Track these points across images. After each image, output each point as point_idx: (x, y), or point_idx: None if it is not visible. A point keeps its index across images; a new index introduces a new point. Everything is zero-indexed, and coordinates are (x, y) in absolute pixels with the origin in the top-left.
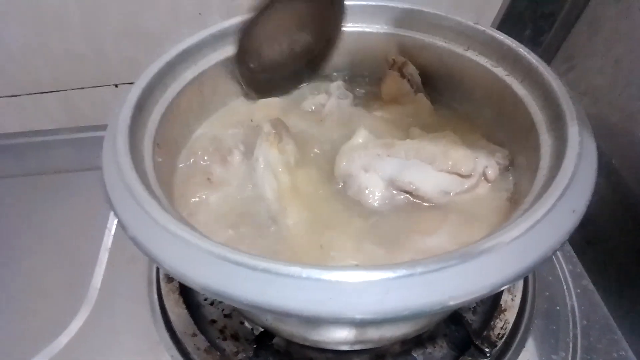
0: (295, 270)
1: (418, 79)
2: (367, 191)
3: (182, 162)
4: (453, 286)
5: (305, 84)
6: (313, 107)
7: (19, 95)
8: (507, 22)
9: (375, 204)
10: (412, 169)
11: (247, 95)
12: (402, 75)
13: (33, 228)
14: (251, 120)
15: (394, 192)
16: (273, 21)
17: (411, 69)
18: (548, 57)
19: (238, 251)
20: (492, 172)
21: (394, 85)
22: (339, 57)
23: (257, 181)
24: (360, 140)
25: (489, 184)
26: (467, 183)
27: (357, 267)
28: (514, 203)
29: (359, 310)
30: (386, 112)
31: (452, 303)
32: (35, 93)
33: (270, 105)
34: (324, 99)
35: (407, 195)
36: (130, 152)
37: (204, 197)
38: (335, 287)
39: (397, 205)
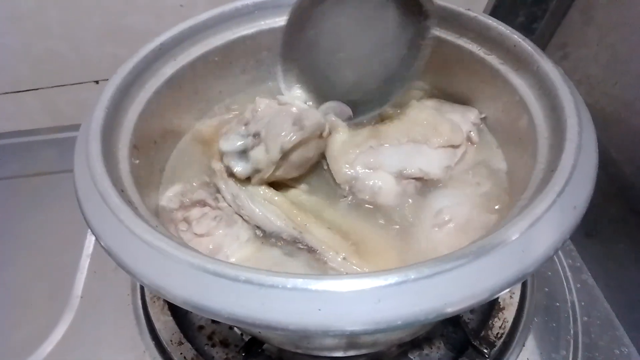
0: (279, 280)
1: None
2: (381, 191)
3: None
4: (449, 292)
5: None
6: None
7: None
8: (499, 10)
9: (394, 202)
10: (413, 154)
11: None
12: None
13: (11, 233)
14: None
15: (404, 182)
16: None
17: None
18: (541, 46)
19: (218, 261)
20: (474, 135)
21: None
22: None
23: (256, 218)
24: (341, 135)
25: (474, 146)
26: (460, 151)
27: (345, 275)
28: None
29: (348, 321)
30: None
31: (448, 310)
32: (14, 92)
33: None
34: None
35: (416, 181)
36: (104, 155)
37: (210, 233)
38: (322, 298)
39: (412, 195)
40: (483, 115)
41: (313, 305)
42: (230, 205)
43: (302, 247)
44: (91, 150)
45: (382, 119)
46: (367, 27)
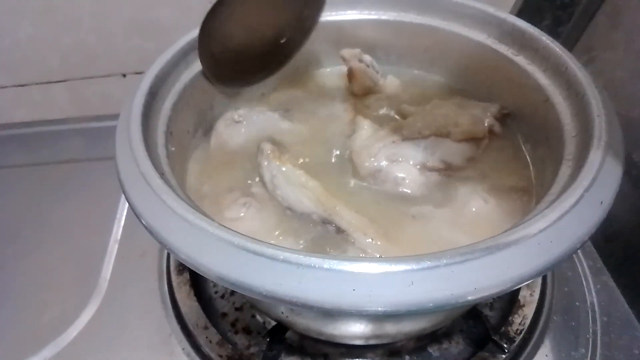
0: (316, 261)
1: (375, 64)
2: (406, 182)
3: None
4: (478, 278)
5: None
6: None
7: (27, 85)
8: (525, 12)
9: (418, 192)
10: (436, 147)
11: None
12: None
13: (41, 219)
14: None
15: (428, 173)
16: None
17: (367, 57)
18: (567, 48)
19: (257, 241)
20: (497, 127)
21: (362, 77)
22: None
23: (289, 199)
24: (366, 131)
25: (499, 139)
26: (483, 143)
27: (379, 258)
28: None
29: (381, 302)
30: (367, 102)
31: (477, 296)
32: (43, 83)
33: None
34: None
35: (439, 173)
36: (144, 140)
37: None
38: (357, 279)
39: (437, 185)
40: (506, 111)
41: (348, 286)
42: (266, 185)
43: (331, 228)
44: (133, 133)
45: (403, 116)
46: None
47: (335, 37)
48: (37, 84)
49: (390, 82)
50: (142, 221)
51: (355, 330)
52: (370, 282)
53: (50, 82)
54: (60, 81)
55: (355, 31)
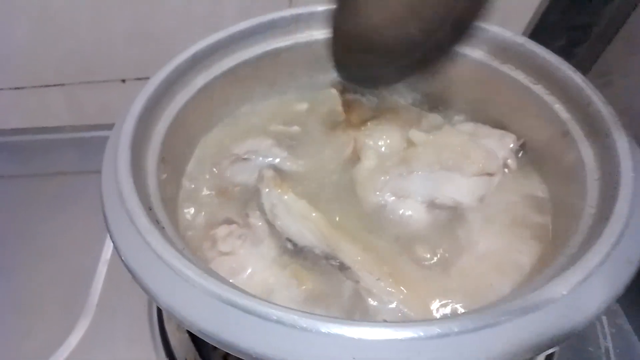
0: (313, 323)
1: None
2: (411, 220)
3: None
4: (492, 349)
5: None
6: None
7: (23, 88)
8: (540, 32)
9: (423, 231)
10: (445, 182)
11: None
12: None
13: (29, 234)
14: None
15: (436, 211)
16: None
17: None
18: (582, 71)
19: (249, 296)
20: (512, 162)
21: (359, 108)
22: None
23: (290, 230)
24: (371, 162)
25: (512, 176)
26: (496, 179)
27: (384, 323)
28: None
29: None
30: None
31: None
32: (40, 86)
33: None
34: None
35: (448, 211)
36: (132, 170)
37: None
38: (358, 346)
39: (444, 225)
40: (522, 141)
41: (347, 353)
42: (266, 214)
43: (334, 263)
44: (120, 165)
45: (411, 143)
46: None
47: None
48: (33, 87)
49: (388, 104)
50: (127, 265)
51: None
52: (372, 349)
53: (47, 86)
54: (57, 85)
55: None
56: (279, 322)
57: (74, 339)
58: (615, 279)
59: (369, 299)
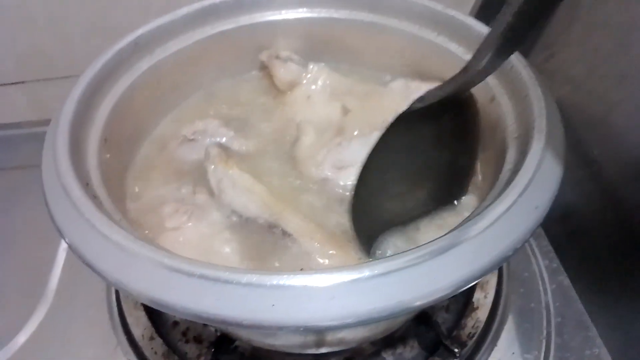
0: (233, 276)
1: (295, 56)
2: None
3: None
4: (401, 290)
5: None
6: None
7: None
8: (485, 9)
9: None
10: None
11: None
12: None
13: None
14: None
15: None
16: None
17: (284, 53)
18: (527, 46)
19: (175, 255)
20: None
21: (277, 71)
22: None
23: (235, 203)
24: (309, 137)
25: None
26: None
27: (300, 272)
28: None
29: (301, 318)
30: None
31: (398, 309)
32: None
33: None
34: None
35: None
36: (70, 149)
37: (181, 227)
38: (276, 294)
39: None
40: None
41: (267, 302)
42: (212, 189)
43: (277, 231)
44: (58, 144)
45: (346, 110)
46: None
47: (288, 34)
48: None
49: (318, 71)
50: (63, 237)
51: (295, 342)
52: (290, 297)
53: (6, 84)
54: (16, 83)
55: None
56: (202, 277)
57: (33, 323)
58: (522, 223)
59: (308, 261)
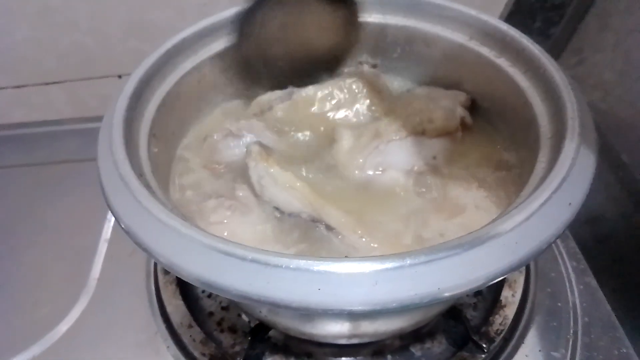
0: (283, 261)
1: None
2: (396, 189)
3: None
4: (442, 279)
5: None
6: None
7: (25, 86)
8: (516, 15)
9: (407, 194)
10: (416, 147)
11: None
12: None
13: (35, 218)
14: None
15: (416, 175)
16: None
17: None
18: (558, 50)
19: (227, 241)
20: (467, 118)
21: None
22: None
23: (277, 199)
24: (347, 142)
25: (473, 133)
26: (458, 136)
27: (345, 258)
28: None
29: (346, 301)
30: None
31: (441, 295)
32: (40, 84)
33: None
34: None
35: (427, 172)
36: (125, 141)
37: (225, 221)
38: (323, 278)
39: (423, 187)
40: (472, 97)
41: (314, 285)
42: (254, 186)
43: (321, 226)
44: (114, 136)
45: (378, 115)
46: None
47: None
48: (34, 85)
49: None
50: (120, 222)
51: (330, 330)
52: (335, 281)
53: (47, 84)
54: (57, 82)
55: None
56: (254, 261)
57: (77, 310)
58: (555, 220)
59: (353, 253)
